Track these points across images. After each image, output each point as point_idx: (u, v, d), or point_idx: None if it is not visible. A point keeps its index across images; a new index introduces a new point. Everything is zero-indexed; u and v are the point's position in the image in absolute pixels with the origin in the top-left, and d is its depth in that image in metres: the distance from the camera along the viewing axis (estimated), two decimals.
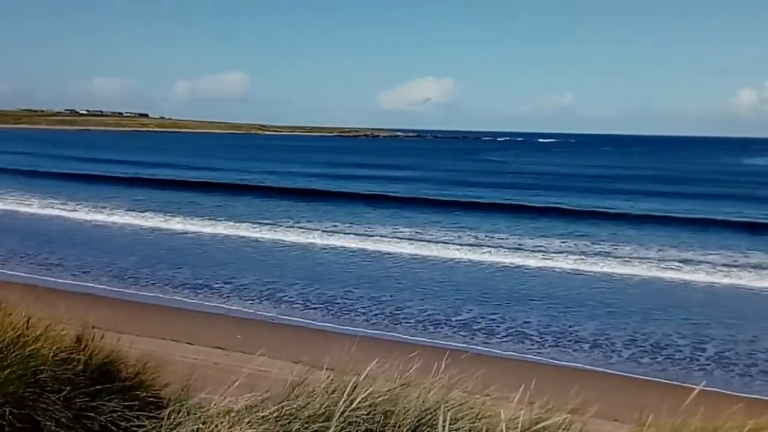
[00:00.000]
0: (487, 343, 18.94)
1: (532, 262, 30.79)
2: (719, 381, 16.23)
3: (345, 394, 4.03)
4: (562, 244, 35.63)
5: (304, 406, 4.10)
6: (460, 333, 19.74)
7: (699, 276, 28.53)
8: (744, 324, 21.39)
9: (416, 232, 38.55)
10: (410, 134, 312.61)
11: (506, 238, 37.10)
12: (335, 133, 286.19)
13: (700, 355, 18.21)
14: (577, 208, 50.50)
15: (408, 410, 4.03)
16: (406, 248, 33.64)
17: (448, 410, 3.89)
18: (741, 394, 14.35)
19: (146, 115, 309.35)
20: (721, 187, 69.81)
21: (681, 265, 30.51)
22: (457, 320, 20.97)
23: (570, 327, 20.49)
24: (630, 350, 18.54)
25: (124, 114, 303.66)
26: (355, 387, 4.17)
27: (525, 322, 20.87)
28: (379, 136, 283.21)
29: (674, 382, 15.66)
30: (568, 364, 17.28)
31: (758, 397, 14.82)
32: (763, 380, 16.55)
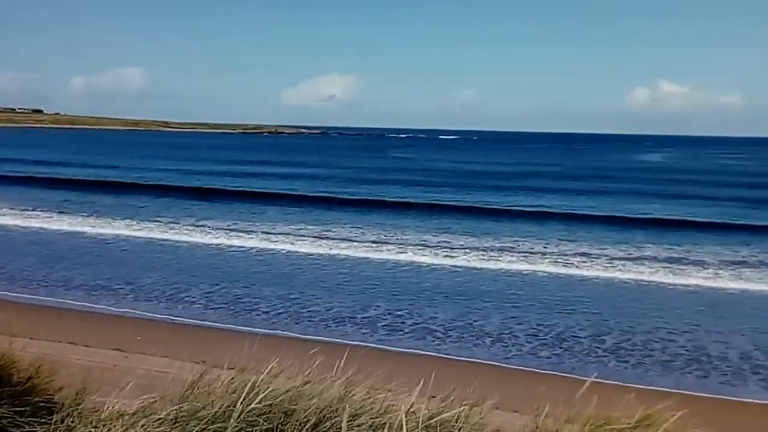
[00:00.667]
0: (390, 339, 19.05)
1: (438, 259, 31.11)
2: (614, 372, 16.75)
3: (243, 394, 3.97)
4: (466, 240, 36.15)
5: (203, 407, 4.03)
6: (365, 330, 19.80)
7: (597, 270, 29.34)
8: (640, 316, 22.12)
9: (321, 230, 38.47)
10: (315, 131, 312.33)
11: (411, 235, 37.38)
12: (238, 130, 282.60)
13: (598, 347, 18.74)
14: (480, 205, 51.33)
15: (309, 408, 4.01)
16: (310, 246, 33.54)
17: (350, 406, 3.89)
18: (633, 385, 14.81)
19: (41, 111, 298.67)
20: (618, 183, 72.15)
21: (581, 259, 31.37)
22: (362, 317, 21.02)
23: (474, 322, 20.79)
24: (531, 344, 18.93)
25: (17, 110, 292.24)
26: (254, 386, 4.12)
27: (430, 318, 21.08)
28: (283, 133, 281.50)
29: (571, 375, 16.07)
30: (470, 359, 17.52)
31: (650, 388, 15.34)
32: (656, 371, 17.16)
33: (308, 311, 21.59)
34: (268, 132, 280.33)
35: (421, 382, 4.16)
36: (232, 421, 3.80)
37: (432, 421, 3.76)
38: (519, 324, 20.68)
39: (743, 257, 32.51)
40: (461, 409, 4.00)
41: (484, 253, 32.66)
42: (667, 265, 30.56)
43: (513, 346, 18.74)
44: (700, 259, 31.77)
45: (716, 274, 28.87)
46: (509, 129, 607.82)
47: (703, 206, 53.11)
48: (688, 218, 45.47)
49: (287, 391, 4.19)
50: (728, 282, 27.48)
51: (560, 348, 18.61)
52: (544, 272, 28.76)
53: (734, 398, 15.34)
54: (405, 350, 18.03)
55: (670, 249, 34.20)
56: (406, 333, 19.66)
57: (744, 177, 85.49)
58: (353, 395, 4.27)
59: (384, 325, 20.29)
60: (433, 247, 34.10)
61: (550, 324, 20.72)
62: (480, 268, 29.34)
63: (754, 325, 21.29)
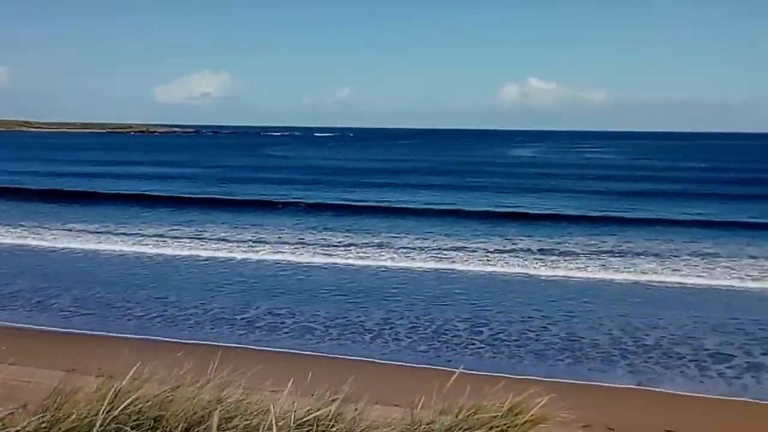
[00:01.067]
0: (268, 339, 18.85)
1: (317, 257, 31.00)
2: (489, 363, 17.13)
3: (106, 402, 3.79)
4: (344, 237, 36.20)
5: (67, 416, 3.83)
6: (242, 331, 19.53)
7: (474, 264, 29.90)
8: (515, 307, 22.66)
9: (196, 231, 37.71)
10: (188, 130, 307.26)
11: (289, 234, 37.14)
12: (107, 130, 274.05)
13: (475, 339, 19.08)
14: (357, 203, 51.49)
15: (179, 413, 3.87)
16: (185, 248, 32.81)
17: (222, 409, 3.79)
18: (506, 374, 15.07)
19: None
20: (491, 178, 73.88)
21: (458, 253, 31.90)
22: (241, 318, 20.73)
23: (355, 319, 20.81)
24: (411, 338, 19.10)
25: None
26: (121, 392, 3.95)
27: (311, 316, 20.98)
28: (155, 132, 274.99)
29: (447, 367, 16.30)
30: (348, 356, 17.52)
31: (522, 377, 15.70)
32: (530, 360, 17.63)
33: (184, 314, 21.12)
34: (140, 131, 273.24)
35: (296, 381, 4.11)
36: (95, 429, 3.63)
37: (306, 419, 3.71)
38: (399, 319, 20.84)
39: (610, 247, 33.85)
40: (336, 405, 3.96)
41: (363, 250, 32.80)
42: (540, 256, 31.49)
43: (393, 341, 18.87)
44: (571, 250, 32.89)
45: (585, 264, 29.95)
46: (386, 126, 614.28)
47: (571, 199, 55.10)
48: (558, 211, 47.03)
49: (156, 396, 4.04)
50: (597, 272, 28.54)
51: (438, 341, 18.86)
52: (423, 267, 29.09)
53: (602, 383, 15.93)
54: (283, 350, 17.86)
55: (541, 241, 35.25)
56: (285, 332, 19.51)
57: (609, 170, 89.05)
58: (227, 397, 4.17)
59: (262, 326, 20.07)
60: (312, 245, 33.99)
61: (429, 318, 20.97)
62: (359, 266, 29.41)
63: (622, 311, 22.18)
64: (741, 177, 75.98)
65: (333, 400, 3.99)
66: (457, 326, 20.20)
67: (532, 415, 4.44)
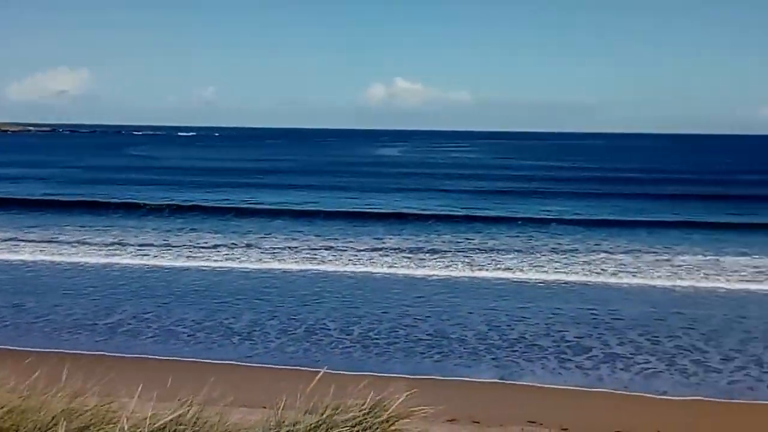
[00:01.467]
0: (129, 345, 18.27)
1: (182, 260, 30.27)
2: (356, 362, 17.18)
3: None
4: (212, 239, 35.54)
5: None
6: (101, 337, 18.86)
7: (344, 263, 29.95)
8: (386, 306, 22.80)
9: (51, 235, 36.08)
10: (44, 128, 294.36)
11: (154, 236, 36.14)
12: None
13: (345, 338, 19.11)
14: (224, 204, 50.64)
15: (27, 423, 3.66)
16: (42, 253, 31.36)
17: (74, 419, 3.60)
18: (371, 373, 15.04)
19: None
20: (357, 177, 74.23)
21: (328, 253, 31.87)
22: (103, 323, 20.03)
23: (224, 321, 20.45)
24: (280, 340, 18.94)
25: None
26: None
27: (178, 320, 20.48)
28: (7, 131, 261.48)
29: (314, 368, 16.19)
30: (213, 360, 17.17)
31: (389, 375, 15.70)
32: (397, 357, 17.80)
33: (41, 321, 20.20)
34: None
35: (157, 386, 3.96)
36: None
37: (161, 422, 3.58)
38: (269, 320, 20.64)
39: (476, 245, 34.65)
40: (195, 409, 3.84)
41: (231, 251, 32.30)
42: (409, 254, 31.89)
43: (261, 343, 18.65)
44: (438, 248, 33.47)
45: (452, 261, 30.53)
46: (252, 125, 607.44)
47: (437, 198, 56.10)
48: (424, 210, 47.72)
49: (2, 407, 3.80)
50: (463, 269, 29.10)
51: (307, 342, 18.77)
52: (293, 268, 28.90)
53: (467, 378, 16.26)
54: (144, 356, 17.31)
55: (409, 239, 35.73)
56: (149, 337, 18.96)
57: (473, 169, 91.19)
58: (82, 406, 3.97)
59: (124, 331, 19.43)
60: (178, 247, 33.21)
61: (299, 319, 20.86)
62: (228, 267, 28.93)
63: (487, 307, 22.72)
64: (597, 176, 79.35)
65: (193, 404, 3.86)
66: (327, 326, 20.18)
67: (393, 411, 4.46)
